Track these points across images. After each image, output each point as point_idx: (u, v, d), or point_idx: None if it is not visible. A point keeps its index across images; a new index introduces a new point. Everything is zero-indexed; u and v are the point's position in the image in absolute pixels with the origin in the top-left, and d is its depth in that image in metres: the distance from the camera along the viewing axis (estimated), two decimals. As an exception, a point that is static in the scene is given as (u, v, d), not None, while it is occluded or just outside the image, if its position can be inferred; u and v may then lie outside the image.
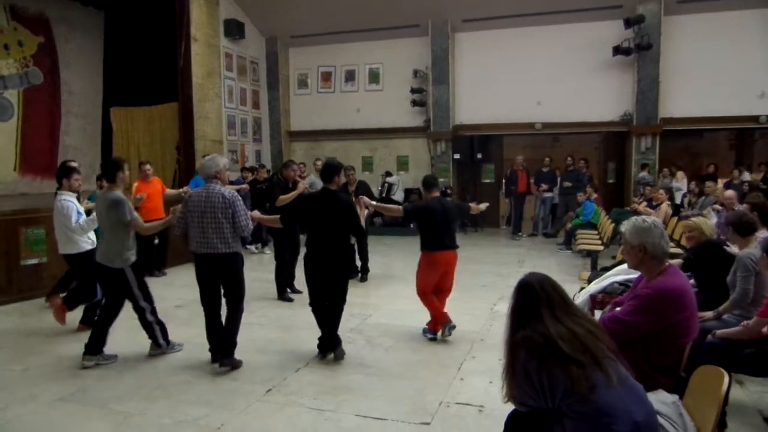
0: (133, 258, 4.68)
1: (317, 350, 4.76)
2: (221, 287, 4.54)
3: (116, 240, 4.59)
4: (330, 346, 4.69)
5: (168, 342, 4.89)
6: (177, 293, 7.00)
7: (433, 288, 5.18)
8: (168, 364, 4.63)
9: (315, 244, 4.64)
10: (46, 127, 11.97)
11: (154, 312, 4.82)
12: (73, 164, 5.94)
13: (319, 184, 9.02)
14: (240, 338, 4.97)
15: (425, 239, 5.14)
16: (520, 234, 11.94)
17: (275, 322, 5.95)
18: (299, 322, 5.88)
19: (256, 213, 5.02)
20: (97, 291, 5.51)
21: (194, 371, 4.43)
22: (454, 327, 5.11)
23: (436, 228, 5.05)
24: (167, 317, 5.75)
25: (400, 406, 3.78)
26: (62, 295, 5.79)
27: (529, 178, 12.25)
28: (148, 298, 4.78)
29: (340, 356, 4.66)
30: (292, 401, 3.89)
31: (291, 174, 6.87)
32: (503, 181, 12.84)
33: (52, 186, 11.76)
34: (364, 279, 7.75)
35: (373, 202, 5.21)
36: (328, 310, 4.73)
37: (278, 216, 5.02)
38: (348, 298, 6.26)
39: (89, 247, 5.38)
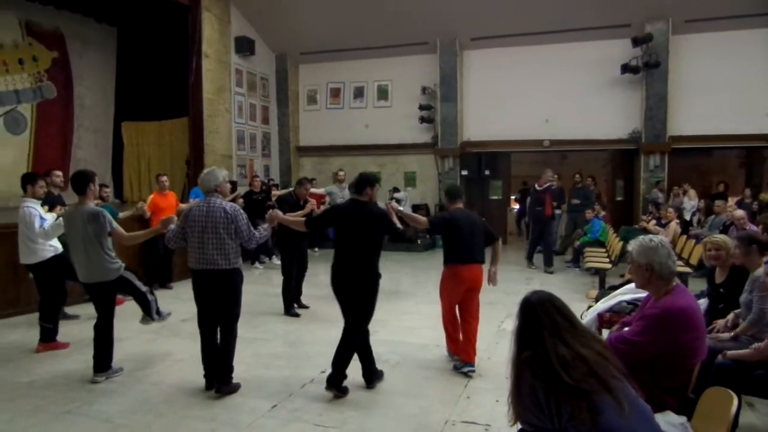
0: (122, 265, 4.71)
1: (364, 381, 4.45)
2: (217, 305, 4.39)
3: (99, 253, 4.53)
4: (333, 384, 4.24)
5: (160, 314, 5.16)
6: (183, 307, 6.97)
7: (456, 308, 4.91)
8: (173, 378, 4.63)
9: (342, 257, 4.39)
10: (59, 140, 12.14)
11: (152, 292, 5.09)
12: (57, 173, 6.53)
13: (337, 194, 9.10)
14: (245, 353, 4.98)
15: (448, 252, 4.86)
16: (533, 266, 10.04)
17: (281, 337, 5.94)
18: (305, 337, 5.88)
19: (278, 212, 4.80)
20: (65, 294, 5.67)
21: (199, 386, 4.42)
22: (473, 371, 4.73)
23: (461, 240, 4.76)
24: (173, 331, 5.79)
25: (405, 424, 3.76)
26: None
27: (553, 199, 10.30)
28: (144, 283, 5.05)
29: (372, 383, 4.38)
30: (298, 417, 3.87)
31: (303, 192, 6.89)
32: (525, 198, 11.06)
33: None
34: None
35: (401, 207, 5.10)
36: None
37: (303, 219, 4.86)
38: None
39: (51, 254, 5.40)
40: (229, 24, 12.14)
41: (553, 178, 9.80)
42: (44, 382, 4.56)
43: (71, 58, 12.36)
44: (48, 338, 5.39)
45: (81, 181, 4.58)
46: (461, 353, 4.84)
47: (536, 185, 10.14)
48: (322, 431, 3.67)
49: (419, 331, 5.91)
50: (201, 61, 11.22)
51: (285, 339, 5.90)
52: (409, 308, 7.02)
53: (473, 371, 4.71)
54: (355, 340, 4.30)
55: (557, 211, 11.65)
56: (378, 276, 4.40)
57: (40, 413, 3.95)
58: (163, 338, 5.71)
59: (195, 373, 4.50)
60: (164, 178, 8.27)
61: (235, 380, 4.37)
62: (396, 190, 13.01)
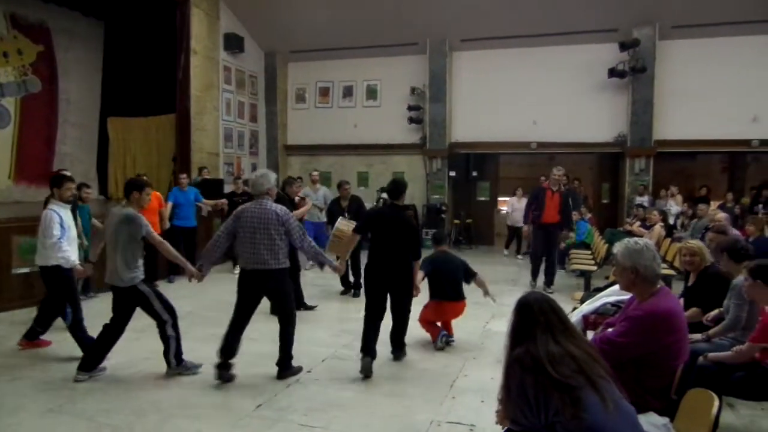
0: (139, 276, 4.56)
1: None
2: (258, 303, 4.66)
3: (120, 257, 4.48)
4: (396, 349, 5.06)
5: (180, 362, 4.67)
6: (176, 304, 6.94)
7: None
8: (158, 377, 4.59)
9: (377, 256, 4.86)
10: (43, 135, 11.96)
11: (175, 326, 4.66)
12: (66, 173, 5.85)
13: (312, 196, 9.03)
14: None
15: (433, 289, 5.50)
16: (550, 289, 8.01)
17: (267, 336, 5.88)
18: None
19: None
20: (65, 310, 5.16)
21: (185, 385, 4.40)
22: (452, 341, 5.54)
23: (442, 280, 5.43)
24: (154, 330, 5.70)
25: (391, 424, 3.77)
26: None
27: (564, 203, 8.23)
28: (171, 310, 4.67)
29: (398, 358, 5.05)
30: (283, 417, 3.87)
31: (295, 190, 7.27)
32: (529, 202, 8.59)
33: (47, 194, 11.82)
34: (357, 294, 7.73)
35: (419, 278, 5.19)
36: (394, 320, 5.02)
37: (354, 233, 5.28)
38: (340, 314, 6.30)
39: (53, 263, 4.94)
40: (218, 20, 12.07)
41: (562, 177, 8.22)
42: (27, 379, 4.51)
43: (57, 52, 12.17)
44: (32, 337, 5.32)
45: (128, 187, 4.68)
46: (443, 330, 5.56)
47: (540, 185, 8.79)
48: (307, 431, 3.66)
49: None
50: (189, 57, 11.14)
51: (270, 338, 5.81)
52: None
53: (453, 341, 5.54)
54: (406, 321, 5.04)
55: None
56: (410, 274, 4.95)
57: (22, 412, 3.90)
58: (147, 337, 5.62)
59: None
60: (143, 179, 7.95)
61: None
62: (383, 190, 12.99)
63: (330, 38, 12.92)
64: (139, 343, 5.44)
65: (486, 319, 6.44)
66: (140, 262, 4.60)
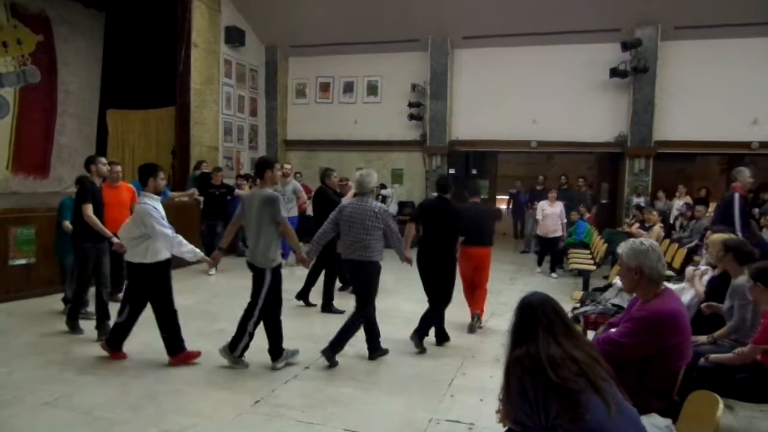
0: (277, 261, 4.67)
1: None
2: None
3: (263, 239, 4.56)
4: (417, 336, 5.25)
5: (241, 354, 4.65)
6: (177, 298, 6.91)
7: (470, 284, 6.06)
8: (156, 372, 4.57)
9: (428, 244, 5.40)
10: (41, 126, 11.93)
11: (256, 325, 4.67)
12: (103, 160, 5.96)
13: (280, 191, 8.83)
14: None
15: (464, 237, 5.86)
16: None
17: (264, 332, 5.88)
18: (288, 333, 5.79)
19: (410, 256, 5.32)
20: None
21: (182, 380, 4.37)
22: (478, 319, 5.99)
23: (469, 228, 5.74)
24: (152, 323, 5.66)
25: (389, 422, 3.75)
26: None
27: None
28: (264, 309, 4.64)
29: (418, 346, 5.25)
30: (281, 413, 3.85)
31: (334, 181, 7.32)
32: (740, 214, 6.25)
33: (44, 185, 11.81)
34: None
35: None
36: (432, 303, 5.40)
37: (412, 223, 5.66)
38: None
39: (142, 260, 4.70)
40: (219, 13, 12.00)
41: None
42: (23, 372, 4.48)
43: (56, 42, 12.13)
44: (175, 349, 4.76)
45: (261, 167, 4.77)
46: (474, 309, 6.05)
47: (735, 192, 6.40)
48: (305, 427, 3.64)
49: (403, 328, 5.87)
50: (190, 50, 11.09)
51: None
52: (393, 305, 7.00)
53: (477, 320, 5.97)
54: (440, 312, 5.43)
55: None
56: (455, 260, 5.54)
57: (19, 404, 3.87)
58: (143, 330, 5.60)
59: (177, 366, 4.44)
60: (117, 167, 6.87)
61: (218, 373, 4.45)
62: (383, 186, 12.97)
63: (331, 33, 12.86)
64: (137, 338, 5.38)
65: (484, 318, 6.42)
66: (279, 245, 4.72)
